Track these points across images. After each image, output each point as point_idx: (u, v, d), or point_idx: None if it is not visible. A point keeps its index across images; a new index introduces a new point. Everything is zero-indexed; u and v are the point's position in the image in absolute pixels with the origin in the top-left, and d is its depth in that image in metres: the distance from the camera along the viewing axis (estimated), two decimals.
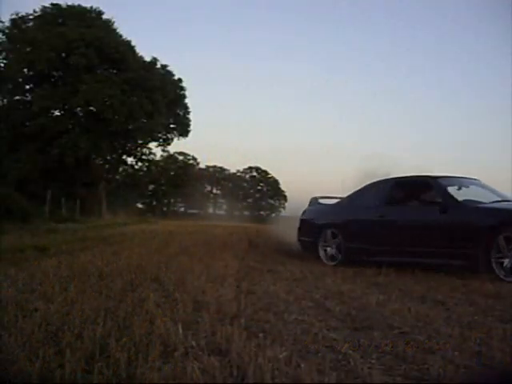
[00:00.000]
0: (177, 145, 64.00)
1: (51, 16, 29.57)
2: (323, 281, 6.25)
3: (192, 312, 3.97)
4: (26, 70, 29.05)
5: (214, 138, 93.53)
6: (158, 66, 32.26)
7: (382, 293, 5.26)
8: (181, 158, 62.31)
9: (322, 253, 8.73)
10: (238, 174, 69.71)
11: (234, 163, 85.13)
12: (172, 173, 59.73)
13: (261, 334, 3.30)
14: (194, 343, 3.07)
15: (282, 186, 64.33)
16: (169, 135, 34.04)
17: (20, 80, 29.29)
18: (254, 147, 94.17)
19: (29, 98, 29.23)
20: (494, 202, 7.47)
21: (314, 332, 3.44)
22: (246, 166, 69.05)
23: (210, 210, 67.72)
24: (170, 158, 56.78)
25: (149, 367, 2.58)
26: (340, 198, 9.53)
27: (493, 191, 8.06)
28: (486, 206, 7.28)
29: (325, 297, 5.05)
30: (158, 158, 39.45)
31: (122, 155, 33.27)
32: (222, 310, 4.05)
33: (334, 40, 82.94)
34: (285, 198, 58.84)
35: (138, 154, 33.65)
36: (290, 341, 3.20)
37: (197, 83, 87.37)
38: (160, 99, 30.20)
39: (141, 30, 70.30)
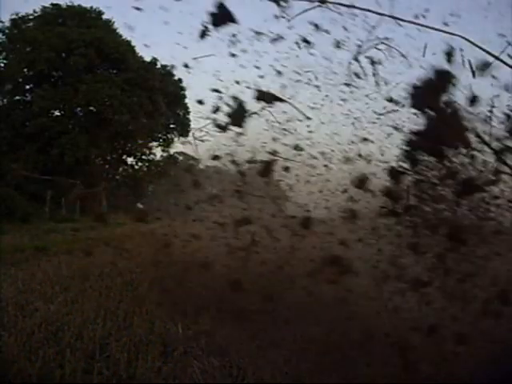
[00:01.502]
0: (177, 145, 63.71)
1: (51, 16, 29.51)
2: None
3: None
4: (26, 70, 28.98)
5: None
6: (158, 66, 32.18)
7: None
8: (181, 158, 62.25)
9: None
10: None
11: None
12: (172, 173, 59.54)
13: None
14: None
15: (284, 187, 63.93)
16: (169, 135, 33.97)
17: (20, 80, 29.23)
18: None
19: (29, 98, 29.17)
20: None
21: None
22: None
23: None
24: (170, 158, 56.63)
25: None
26: None
27: None
28: None
29: None
30: (158, 157, 39.28)
31: (122, 155, 33.20)
32: None
33: None
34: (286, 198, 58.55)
35: (138, 154, 33.58)
36: None
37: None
38: (160, 99, 30.14)
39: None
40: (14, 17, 28.90)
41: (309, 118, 3.84)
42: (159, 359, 2.76)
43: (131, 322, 3.48)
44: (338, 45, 3.66)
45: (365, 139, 4.05)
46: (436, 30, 3.15)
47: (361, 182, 3.05)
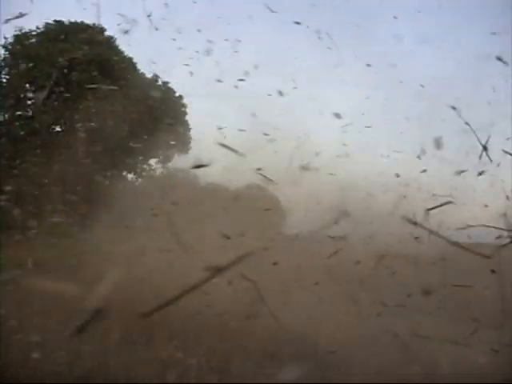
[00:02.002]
0: (177, 161, 63.87)
1: (54, 32, 29.77)
2: None
3: None
4: (27, 85, 29.17)
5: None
6: (160, 82, 32.37)
7: None
8: (181, 174, 62.20)
9: None
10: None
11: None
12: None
13: None
14: None
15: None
16: (169, 152, 34.02)
17: (22, 95, 29.39)
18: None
19: (30, 114, 29.30)
20: None
21: None
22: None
23: None
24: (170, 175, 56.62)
25: None
26: None
27: None
28: None
29: None
30: (158, 174, 39.30)
31: (122, 171, 33.20)
32: None
33: None
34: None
35: (139, 170, 33.61)
36: None
37: None
38: (161, 116, 30.28)
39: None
40: (17, 33, 29.22)
41: None
42: None
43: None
44: None
45: None
46: None
47: None
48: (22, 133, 27.91)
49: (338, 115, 13.96)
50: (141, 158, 32.19)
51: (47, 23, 29.95)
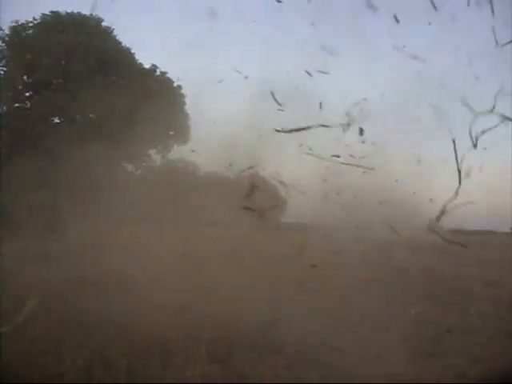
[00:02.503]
0: (176, 151, 63.62)
1: (51, 23, 29.59)
2: None
3: None
4: (25, 77, 29.06)
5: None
6: (158, 72, 32.25)
7: None
8: (180, 164, 61.94)
9: None
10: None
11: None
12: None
13: None
14: None
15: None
16: (168, 142, 33.94)
17: (20, 87, 29.28)
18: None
19: (28, 105, 29.20)
20: None
21: None
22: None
23: None
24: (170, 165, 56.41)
25: None
26: None
27: None
28: None
29: None
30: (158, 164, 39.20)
31: (121, 162, 33.11)
32: None
33: None
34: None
35: (138, 161, 33.52)
36: None
37: None
38: (159, 106, 30.15)
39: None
40: (13, 24, 29.03)
41: None
42: None
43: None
44: None
45: None
46: None
47: None
48: (20, 125, 27.79)
49: None
50: (140, 148, 32.07)
51: (44, 14, 29.77)
